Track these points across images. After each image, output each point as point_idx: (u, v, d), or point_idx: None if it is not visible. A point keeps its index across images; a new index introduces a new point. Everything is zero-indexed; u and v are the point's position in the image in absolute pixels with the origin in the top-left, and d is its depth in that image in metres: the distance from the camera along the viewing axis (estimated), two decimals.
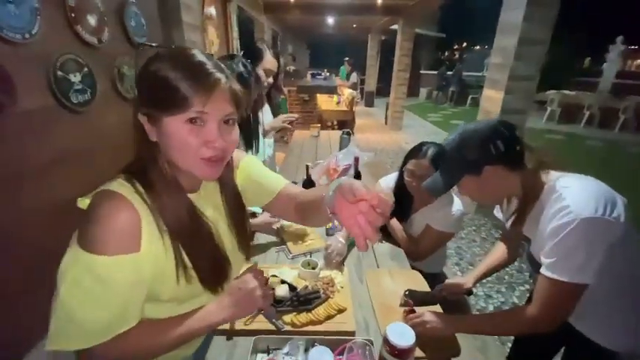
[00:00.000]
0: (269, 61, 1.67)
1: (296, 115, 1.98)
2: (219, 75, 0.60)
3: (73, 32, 1.67)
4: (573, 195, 0.78)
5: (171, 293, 0.66)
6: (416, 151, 1.40)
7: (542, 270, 0.82)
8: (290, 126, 1.91)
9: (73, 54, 1.63)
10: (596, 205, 0.74)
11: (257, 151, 1.52)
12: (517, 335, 1.27)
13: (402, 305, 1.09)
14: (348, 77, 8.93)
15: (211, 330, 0.73)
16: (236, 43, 4.33)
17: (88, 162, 1.79)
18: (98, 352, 0.59)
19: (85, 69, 1.70)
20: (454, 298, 1.19)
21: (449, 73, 12.11)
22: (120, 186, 0.61)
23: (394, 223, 1.51)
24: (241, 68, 1.27)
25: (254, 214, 1.52)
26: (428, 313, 0.98)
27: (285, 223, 1.49)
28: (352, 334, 0.97)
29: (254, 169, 0.87)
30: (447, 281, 1.21)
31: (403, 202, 1.49)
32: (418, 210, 1.51)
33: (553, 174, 0.87)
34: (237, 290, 0.72)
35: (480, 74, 11.61)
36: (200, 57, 0.61)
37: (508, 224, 1.03)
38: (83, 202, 0.62)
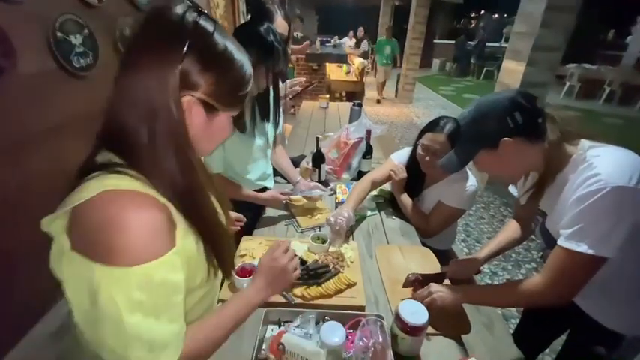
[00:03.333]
0: (279, 23, 1.57)
1: (302, 79, 1.87)
2: (250, 68, 0.61)
3: None
4: (604, 163, 0.73)
5: (195, 285, 0.61)
6: (433, 125, 1.33)
7: (559, 241, 0.78)
8: (298, 88, 1.81)
9: (73, 14, 1.54)
10: (630, 174, 0.69)
11: (277, 124, 1.45)
12: (525, 306, 1.26)
13: (405, 286, 1.07)
14: (358, 45, 8.53)
15: (254, 311, 0.72)
16: (242, 5, 4.11)
17: (90, 129, 1.76)
18: None
19: (86, 30, 1.61)
20: (460, 279, 1.16)
21: (469, 43, 11.19)
22: (121, 181, 0.50)
23: (405, 198, 1.47)
24: (271, 37, 1.15)
25: (264, 189, 1.49)
26: (435, 285, 0.97)
27: (293, 197, 1.47)
28: (362, 308, 0.98)
29: None
30: (452, 262, 1.17)
31: (416, 177, 1.46)
32: (430, 186, 1.47)
33: (583, 144, 0.81)
34: (269, 269, 0.74)
35: (497, 45, 10.92)
36: (240, 48, 0.59)
37: (524, 199, 0.99)
38: (48, 223, 0.51)
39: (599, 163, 0.73)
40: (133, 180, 0.51)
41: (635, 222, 0.71)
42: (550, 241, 0.85)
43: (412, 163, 1.45)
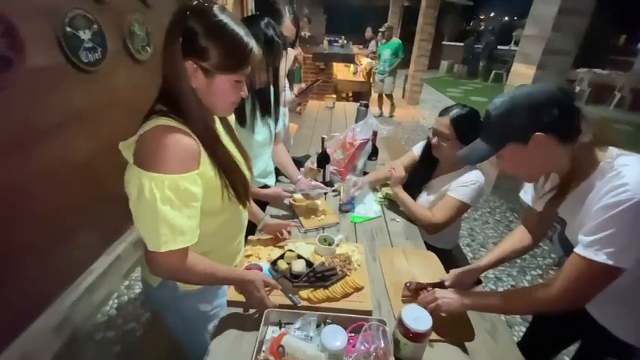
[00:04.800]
0: (287, 27, 1.56)
1: (303, 85, 1.87)
2: (256, 46, 0.76)
3: None
4: (633, 173, 0.70)
5: (216, 208, 0.83)
6: (443, 110, 1.40)
7: (577, 248, 0.75)
8: (304, 85, 1.80)
9: (82, 9, 1.55)
10: None
11: (276, 120, 1.44)
12: (534, 313, 1.23)
13: (404, 296, 1.04)
14: (367, 45, 8.46)
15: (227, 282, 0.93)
16: (251, 3, 4.11)
17: (98, 122, 1.77)
18: (176, 257, 0.72)
19: (95, 26, 1.62)
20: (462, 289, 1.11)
21: (478, 45, 11.11)
22: (168, 121, 0.72)
23: (401, 192, 1.47)
24: (271, 32, 1.17)
25: (265, 186, 1.48)
26: (439, 290, 0.95)
27: (297, 196, 1.46)
28: (369, 313, 0.95)
29: None
30: (451, 271, 1.11)
31: (428, 164, 1.54)
32: (439, 176, 1.49)
33: (612, 151, 0.78)
34: (245, 287, 0.88)
35: (507, 48, 10.80)
36: (241, 24, 0.74)
37: (542, 202, 0.95)
38: (125, 146, 0.73)
39: (627, 173, 0.71)
40: (174, 121, 0.72)
41: None
42: (569, 250, 0.82)
43: (425, 151, 1.55)
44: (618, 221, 0.69)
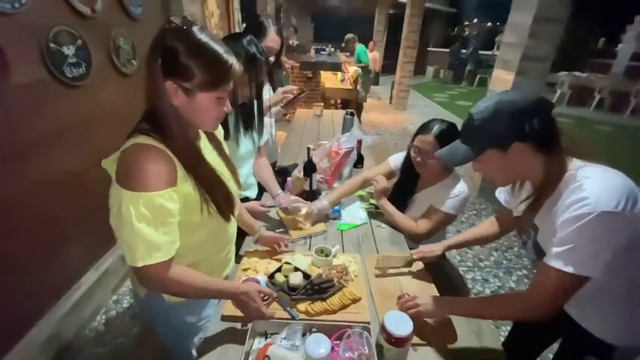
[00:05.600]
0: (272, 39, 1.59)
1: (294, 87, 1.89)
2: (236, 62, 0.78)
3: (64, 1, 1.59)
4: (594, 186, 0.73)
5: (197, 222, 0.84)
6: (423, 128, 1.40)
7: (547, 258, 0.79)
8: (290, 95, 1.82)
9: (66, 25, 1.56)
10: (618, 198, 0.71)
11: (260, 133, 1.47)
12: (511, 320, 1.28)
13: (377, 268, 1.13)
14: (353, 53, 8.57)
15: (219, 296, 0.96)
16: (237, 15, 4.16)
17: (85, 136, 1.76)
18: (156, 271, 0.75)
19: (79, 41, 1.63)
20: (427, 262, 1.24)
21: (463, 51, 11.39)
22: (146, 139, 0.74)
23: (386, 204, 1.50)
24: (253, 49, 1.20)
25: (246, 199, 1.50)
26: (421, 297, 0.98)
27: (281, 208, 1.48)
28: (367, 324, 0.95)
29: None
30: (420, 245, 1.24)
31: (409, 179, 1.52)
32: (422, 190, 1.50)
33: (575, 162, 0.82)
34: (240, 299, 0.88)
35: (490, 52, 11.11)
36: (220, 43, 0.76)
37: (519, 209, 0.99)
38: (107, 163, 0.77)
39: (588, 185, 0.74)
40: (153, 139, 0.74)
41: (621, 244, 0.73)
42: (541, 254, 0.86)
43: (406, 165, 1.51)
44: (582, 234, 0.73)
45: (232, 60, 0.76)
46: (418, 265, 1.26)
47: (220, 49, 0.74)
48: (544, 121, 0.79)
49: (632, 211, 0.71)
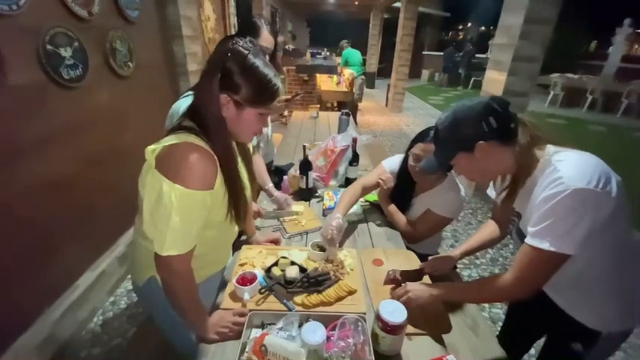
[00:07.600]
0: (265, 38, 1.61)
1: (288, 97, 1.92)
2: (280, 84, 0.87)
3: (62, 4, 1.61)
4: (567, 167, 0.78)
5: (216, 222, 0.90)
6: (424, 135, 1.35)
7: (526, 239, 0.83)
8: (286, 103, 1.85)
9: (63, 27, 1.58)
10: (590, 177, 0.74)
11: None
12: (495, 301, 1.29)
13: (385, 283, 1.11)
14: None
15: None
16: (233, 19, 4.19)
17: (82, 138, 1.77)
18: (176, 261, 0.80)
19: (76, 43, 1.65)
20: (439, 274, 1.20)
21: (458, 54, 11.50)
22: (196, 139, 0.80)
23: (391, 207, 1.51)
24: None
25: None
26: (410, 284, 1.01)
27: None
28: (363, 315, 0.96)
29: None
30: (430, 258, 1.21)
31: (407, 185, 1.49)
32: (420, 194, 1.50)
33: (549, 149, 0.86)
34: (217, 324, 0.91)
35: (484, 56, 11.25)
36: (270, 66, 0.85)
37: (499, 200, 1.04)
38: (151, 151, 0.80)
39: (562, 167, 0.78)
40: (201, 140, 0.81)
41: (595, 221, 0.75)
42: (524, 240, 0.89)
43: (403, 171, 1.48)
44: (556, 210, 0.76)
45: (278, 83, 0.86)
46: (412, 259, 1.28)
47: (270, 72, 0.83)
48: (500, 118, 0.85)
49: (605, 189, 0.74)
